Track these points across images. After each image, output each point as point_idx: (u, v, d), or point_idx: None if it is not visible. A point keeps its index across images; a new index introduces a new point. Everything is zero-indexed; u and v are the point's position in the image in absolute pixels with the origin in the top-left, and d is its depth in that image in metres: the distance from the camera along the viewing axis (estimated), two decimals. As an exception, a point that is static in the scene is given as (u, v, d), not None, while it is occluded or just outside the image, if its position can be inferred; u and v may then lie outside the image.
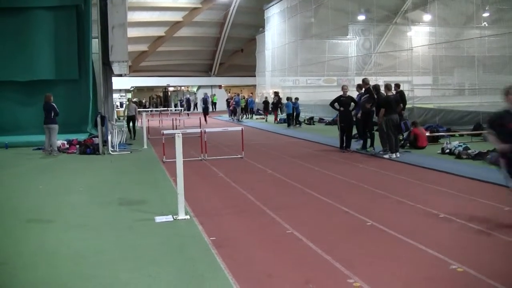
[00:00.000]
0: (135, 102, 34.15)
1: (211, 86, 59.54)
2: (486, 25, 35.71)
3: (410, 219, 8.21)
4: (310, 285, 5.45)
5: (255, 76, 53.22)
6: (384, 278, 5.61)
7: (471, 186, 10.80)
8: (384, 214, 8.45)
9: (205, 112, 36.87)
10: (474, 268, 5.74)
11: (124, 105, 30.70)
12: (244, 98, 43.28)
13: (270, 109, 38.60)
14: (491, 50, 30.74)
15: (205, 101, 38.06)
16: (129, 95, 55.16)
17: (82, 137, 20.26)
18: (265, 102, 40.31)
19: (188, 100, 56.96)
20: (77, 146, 18.81)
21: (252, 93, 51.58)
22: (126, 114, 27.70)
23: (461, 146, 15.36)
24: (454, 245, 6.76)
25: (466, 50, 30.50)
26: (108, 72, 25.83)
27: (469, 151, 14.80)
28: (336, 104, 17.06)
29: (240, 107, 38.61)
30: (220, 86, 60.79)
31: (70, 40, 23.21)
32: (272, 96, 39.95)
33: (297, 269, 5.96)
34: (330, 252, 6.43)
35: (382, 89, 16.36)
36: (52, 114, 17.67)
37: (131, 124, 25.39)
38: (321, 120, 33.24)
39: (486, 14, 36.05)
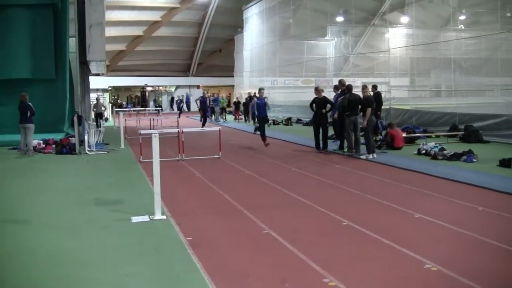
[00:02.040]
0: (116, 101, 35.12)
1: (189, 86, 59.37)
2: (463, 27, 36.11)
3: (386, 219, 8.28)
4: (286, 284, 5.47)
5: (233, 76, 53.20)
6: (359, 277, 5.65)
7: (446, 186, 10.91)
8: (360, 214, 8.51)
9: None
10: (448, 267, 5.80)
11: (92, 104, 31.38)
12: (223, 98, 43.36)
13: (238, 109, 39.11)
14: (468, 52, 31.11)
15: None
16: (106, 95, 54.83)
17: (58, 136, 20.08)
18: (236, 103, 40.62)
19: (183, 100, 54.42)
20: (53, 145, 18.63)
21: (230, 94, 51.60)
22: (94, 111, 30.48)
23: (437, 147, 15.53)
24: (428, 244, 6.83)
25: (443, 52, 30.76)
26: (85, 71, 25.67)
27: (445, 152, 14.97)
28: (314, 106, 17.14)
29: (219, 107, 38.64)
30: (198, 86, 60.61)
31: (47, 39, 22.96)
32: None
33: (273, 269, 5.99)
34: (306, 252, 6.46)
35: (357, 90, 16.49)
36: (28, 114, 17.50)
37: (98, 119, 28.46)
38: (299, 121, 33.39)
39: (462, 17, 36.47)
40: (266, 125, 20.13)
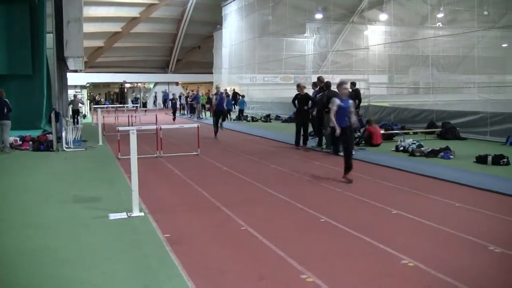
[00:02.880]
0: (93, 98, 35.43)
1: (168, 83, 59.17)
2: (441, 25, 36.35)
3: (364, 215, 8.32)
4: (264, 280, 5.48)
5: (212, 73, 53.12)
6: (337, 274, 5.68)
7: (424, 183, 10.99)
8: (338, 211, 8.55)
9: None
10: (425, 262, 5.86)
11: (69, 100, 31.44)
12: (202, 94, 43.40)
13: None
14: (445, 50, 31.36)
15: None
16: (85, 92, 54.46)
17: (35, 133, 19.92)
18: (209, 99, 41.12)
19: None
20: (30, 142, 18.46)
21: (209, 90, 51.61)
22: (71, 108, 30.53)
23: (414, 143, 15.64)
24: (406, 240, 6.88)
25: (421, 49, 31.03)
26: (63, 67, 25.44)
27: (422, 148, 15.09)
28: (296, 102, 17.24)
29: (200, 104, 38.69)
30: (177, 83, 60.45)
31: (24, 35, 22.72)
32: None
33: (251, 265, 5.99)
34: (284, 248, 6.47)
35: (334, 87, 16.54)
36: (5, 110, 17.30)
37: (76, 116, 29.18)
38: (277, 118, 33.47)
39: (440, 15, 36.71)
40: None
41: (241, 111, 35.17)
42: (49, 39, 21.88)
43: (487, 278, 5.56)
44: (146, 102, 53.26)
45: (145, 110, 41.96)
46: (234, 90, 40.22)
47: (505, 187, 10.05)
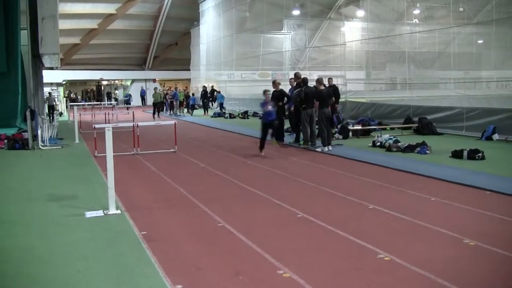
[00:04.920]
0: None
1: (145, 80, 58.90)
2: (417, 21, 36.64)
3: (341, 210, 8.36)
4: (240, 276, 5.47)
5: (189, 70, 52.98)
6: (314, 269, 5.68)
7: (400, 177, 11.06)
8: (315, 206, 8.57)
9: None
10: (401, 256, 5.89)
11: (45, 97, 31.51)
12: (181, 92, 43.37)
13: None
14: (422, 46, 31.64)
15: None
16: (61, 89, 54.05)
17: (10, 131, 19.68)
18: (186, 96, 41.67)
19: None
20: (5, 141, 18.25)
21: (186, 87, 51.55)
22: (47, 104, 31.65)
23: (391, 139, 15.74)
24: (382, 235, 6.91)
25: (398, 45, 31.17)
26: (38, 65, 25.14)
27: (399, 144, 15.18)
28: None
29: (178, 101, 38.71)
30: (154, 80, 60.20)
31: (-3, 31, 22.42)
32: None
33: (227, 262, 5.98)
34: (261, 244, 6.47)
35: (313, 83, 16.58)
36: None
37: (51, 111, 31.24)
38: (255, 114, 33.42)
39: (417, 11, 37.01)
40: None
41: (221, 105, 36.77)
42: (24, 36, 21.60)
43: (462, 270, 5.60)
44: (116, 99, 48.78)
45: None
46: (212, 87, 40.26)
47: (480, 181, 10.15)
